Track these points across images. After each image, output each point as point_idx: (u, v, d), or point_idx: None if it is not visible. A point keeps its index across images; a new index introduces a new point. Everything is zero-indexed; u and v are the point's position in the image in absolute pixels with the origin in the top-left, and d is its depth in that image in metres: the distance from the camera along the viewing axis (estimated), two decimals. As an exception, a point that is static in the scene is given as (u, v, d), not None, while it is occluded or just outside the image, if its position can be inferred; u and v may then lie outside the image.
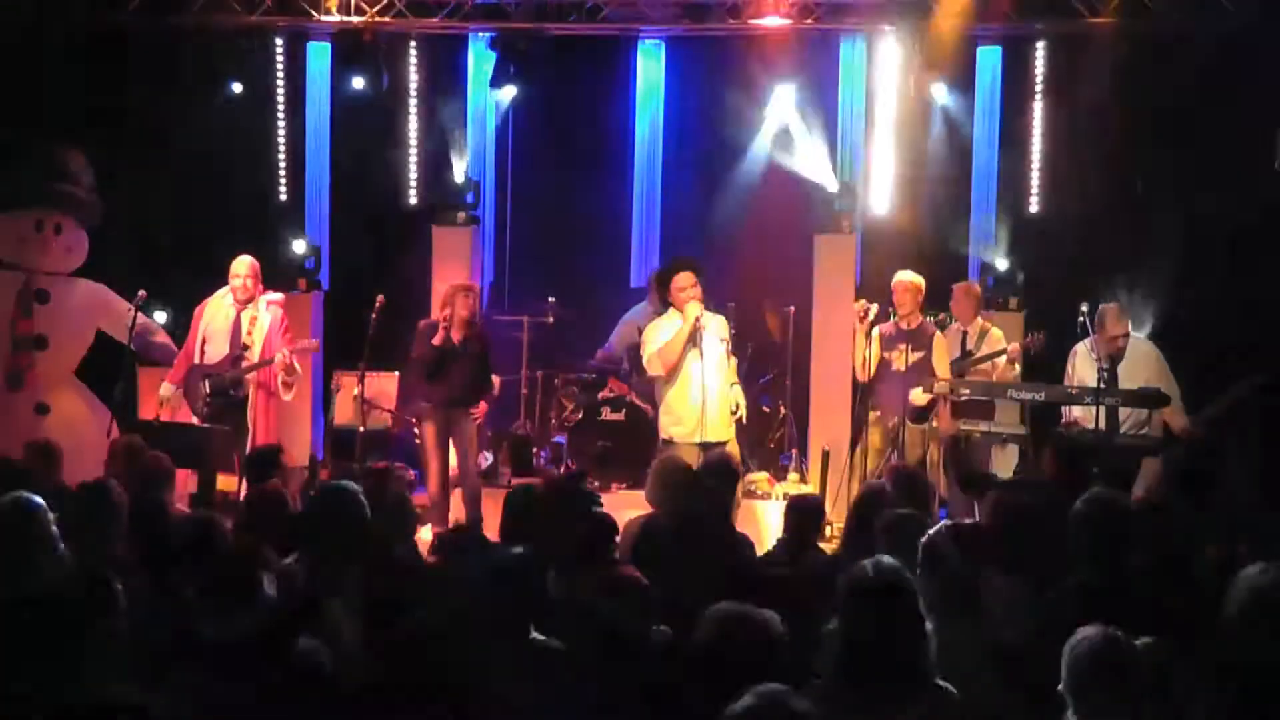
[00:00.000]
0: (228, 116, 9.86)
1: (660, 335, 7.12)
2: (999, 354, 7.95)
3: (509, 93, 10.01)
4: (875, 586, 3.17)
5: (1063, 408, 7.60)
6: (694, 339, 6.96)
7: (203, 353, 7.85)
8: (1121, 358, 7.61)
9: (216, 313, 7.92)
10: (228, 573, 3.60)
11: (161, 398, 7.80)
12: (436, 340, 7.70)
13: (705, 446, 6.82)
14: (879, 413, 7.89)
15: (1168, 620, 3.46)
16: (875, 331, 7.93)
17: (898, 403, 7.71)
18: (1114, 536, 4.02)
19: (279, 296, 8.13)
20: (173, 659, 3.30)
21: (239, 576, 3.55)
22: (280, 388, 7.85)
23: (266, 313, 7.91)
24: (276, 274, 9.45)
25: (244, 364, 7.75)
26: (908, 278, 7.97)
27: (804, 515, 5.07)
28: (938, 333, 7.83)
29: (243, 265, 7.91)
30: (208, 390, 7.74)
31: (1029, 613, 3.97)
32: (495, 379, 7.81)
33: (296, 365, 7.83)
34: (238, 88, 9.78)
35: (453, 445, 7.83)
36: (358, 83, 9.72)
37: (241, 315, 7.87)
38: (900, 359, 7.78)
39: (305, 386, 9.44)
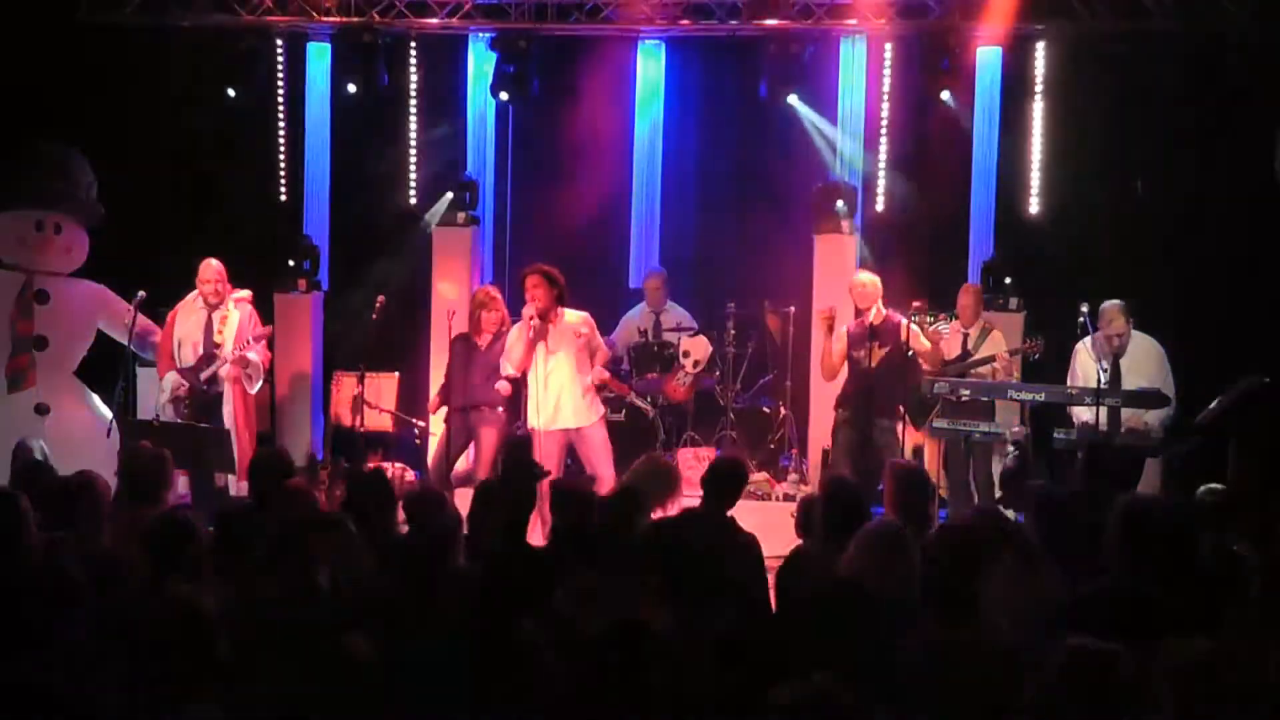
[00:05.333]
0: (228, 117, 9.86)
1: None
2: (989, 360, 7.97)
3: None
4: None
5: (1069, 409, 7.61)
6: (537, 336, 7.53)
7: (180, 357, 7.97)
8: (1123, 354, 7.63)
9: (188, 317, 8.04)
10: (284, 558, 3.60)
11: (171, 391, 7.85)
12: (455, 344, 7.91)
13: (565, 432, 7.60)
14: (848, 412, 7.87)
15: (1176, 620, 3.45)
16: (842, 330, 7.96)
17: (871, 401, 7.71)
18: (1155, 540, 4.00)
19: (246, 294, 8.18)
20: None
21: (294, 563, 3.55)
22: (244, 380, 7.95)
23: (236, 310, 8.02)
24: (277, 274, 9.48)
25: (215, 363, 7.87)
26: (864, 277, 7.98)
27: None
28: (903, 320, 7.81)
29: (210, 270, 8.01)
30: (185, 392, 7.82)
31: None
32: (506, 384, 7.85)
33: (250, 356, 7.93)
34: (231, 92, 9.76)
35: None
36: (351, 88, 9.72)
37: (212, 315, 7.99)
38: (869, 356, 7.78)
39: (305, 388, 9.48)
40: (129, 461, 5.67)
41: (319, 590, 3.79)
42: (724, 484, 5.24)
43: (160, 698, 3.05)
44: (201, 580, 4.03)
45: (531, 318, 7.53)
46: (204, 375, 7.87)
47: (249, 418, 8.07)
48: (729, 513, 5.22)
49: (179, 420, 7.79)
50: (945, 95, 9.46)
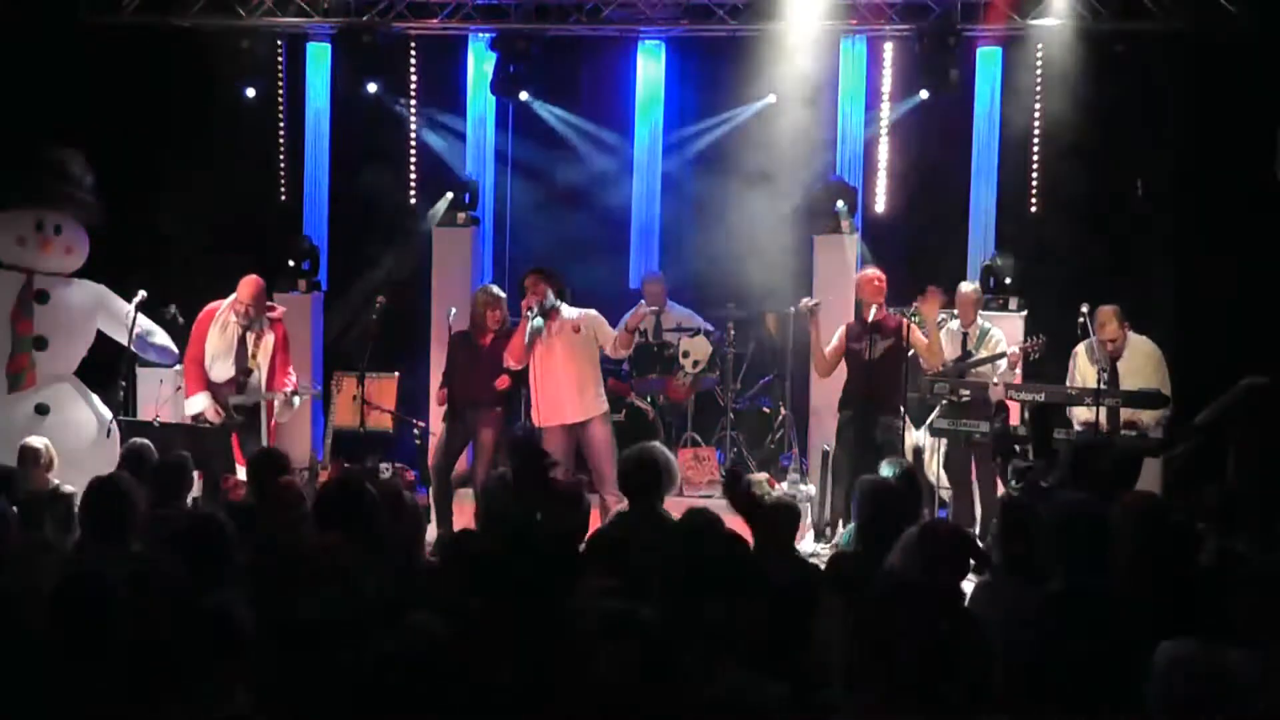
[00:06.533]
0: (228, 117, 9.87)
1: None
2: (999, 357, 7.96)
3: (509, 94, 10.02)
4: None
5: (1067, 409, 7.61)
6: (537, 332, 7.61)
7: (211, 371, 7.80)
8: (1119, 357, 7.63)
9: (222, 332, 7.82)
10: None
11: (201, 413, 7.73)
12: (454, 343, 7.92)
13: (569, 428, 7.64)
14: (850, 412, 7.86)
15: (1169, 622, 3.45)
16: (841, 328, 7.99)
17: (872, 398, 7.71)
18: (1097, 540, 4.01)
19: (279, 311, 8.07)
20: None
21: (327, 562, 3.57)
22: (277, 414, 7.90)
23: (270, 333, 7.87)
24: (276, 275, 9.47)
25: (250, 391, 7.75)
26: (869, 271, 8.00)
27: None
28: (904, 319, 7.81)
29: (246, 290, 7.78)
30: (217, 419, 7.70)
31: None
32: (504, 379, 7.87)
33: (295, 401, 7.89)
34: (251, 92, 9.78)
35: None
36: (372, 87, 9.72)
37: (245, 334, 7.80)
38: (868, 349, 7.78)
39: (305, 387, 9.47)
40: (141, 459, 5.69)
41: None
42: (635, 480, 5.17)
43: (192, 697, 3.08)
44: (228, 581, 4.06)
45: (528, 306, 7.56)
46: (233, 401, 7.71)
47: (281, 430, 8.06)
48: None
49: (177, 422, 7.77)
50: (924, 94, 9.46)
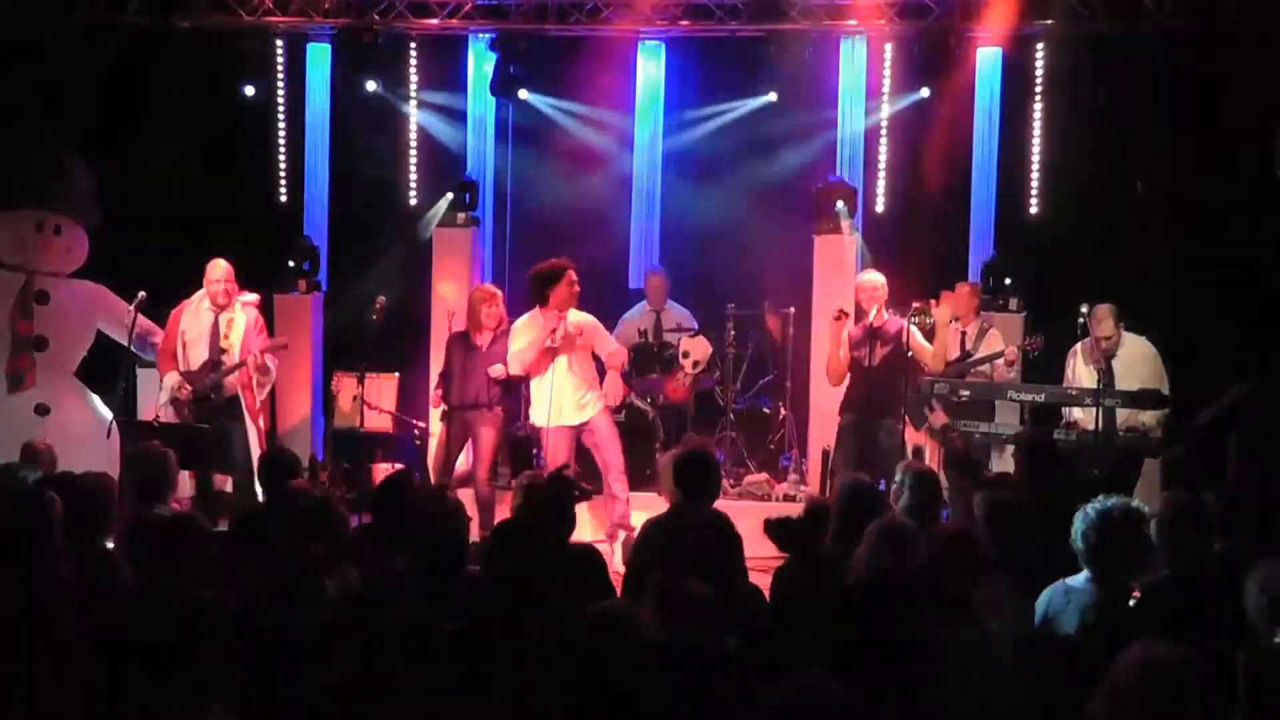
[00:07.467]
0: (228, 117, 9.87)
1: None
2: (996, 356, 7.96)
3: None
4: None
5: (1063, 408, 7.61)
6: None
7: (185, 358, 7.80)
8: (1114, 356, 7.62)
9: (195, 318, 7.84)
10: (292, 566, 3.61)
11: (171, 391, 7.72)
12: (452, 343, 7.96)
13: (572, 428, 7.68)
14: (852, 416, 7.86)
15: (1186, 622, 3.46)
16: (844, 334, 7.98)
17: (873, 402, 7.70)
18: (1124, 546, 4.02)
19: (254, 297, 8.07)
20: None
21: (305, 570, 3.56)
22: (255, 387, 7.85)
23: (242, 314, 7.86)
24: (276, 275, 9.48)
25: (223, 368, 7.70)
26: (873, 278, 7.97)
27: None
28: (904, 323, 7.80)
29: (218, 270, 7.80)
30: (185, 395, 7.69)
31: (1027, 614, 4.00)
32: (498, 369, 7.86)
33: (270, 363, 7.84)
34: (251, 92, 9.79)
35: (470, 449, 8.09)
36: (371, 87, 9.72)
37: (219, 318, 7.80)
38: (870, 355, 7.77)
39: (305, 388, 9.48)
40: (134, 461, 5.68)
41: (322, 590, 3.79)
42: (699, 476, 5.14)
43: (169, 703, 3.06)
44: (205, 581, 4.05)
45: (554, 329, 7.54)
46: (209, 382, 7.72)
47: (266, 422, 8.03)
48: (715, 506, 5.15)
49: (177, 421, 7.75)
50: (925, 92, 9.46)
